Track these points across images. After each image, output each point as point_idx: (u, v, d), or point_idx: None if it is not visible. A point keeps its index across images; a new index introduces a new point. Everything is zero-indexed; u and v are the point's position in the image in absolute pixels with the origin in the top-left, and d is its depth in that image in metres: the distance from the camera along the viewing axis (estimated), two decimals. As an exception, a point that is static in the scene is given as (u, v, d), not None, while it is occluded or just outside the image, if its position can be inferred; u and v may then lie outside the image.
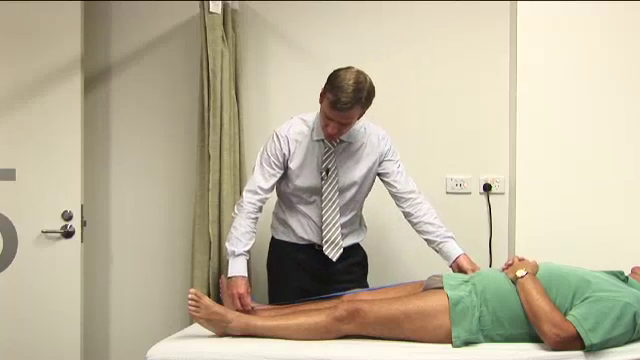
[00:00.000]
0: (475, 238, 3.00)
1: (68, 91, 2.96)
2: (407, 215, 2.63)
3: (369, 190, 2.70)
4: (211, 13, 2.88)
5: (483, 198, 3.06)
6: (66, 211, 2.96)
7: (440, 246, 2.56)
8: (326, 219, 2.58)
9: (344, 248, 2.63)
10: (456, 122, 3.06)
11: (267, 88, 3.19)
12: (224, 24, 2.96)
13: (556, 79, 2.89)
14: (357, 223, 2.74)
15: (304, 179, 2.59)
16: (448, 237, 2.56)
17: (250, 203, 2.56)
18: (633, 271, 2.36)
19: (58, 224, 2.96)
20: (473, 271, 2.45)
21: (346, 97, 2.35)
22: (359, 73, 2.40)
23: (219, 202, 2.90)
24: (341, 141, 2.58)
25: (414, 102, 3.09)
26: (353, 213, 2.67)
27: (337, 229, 2.59)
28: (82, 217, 2.98)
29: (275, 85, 3.18)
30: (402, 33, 3.09)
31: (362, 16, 3.10)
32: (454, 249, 2.55)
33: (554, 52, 2.89)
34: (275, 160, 2.58)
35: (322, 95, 2.47)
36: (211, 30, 2.87)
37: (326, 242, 2.59)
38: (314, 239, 2.63)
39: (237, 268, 2.51)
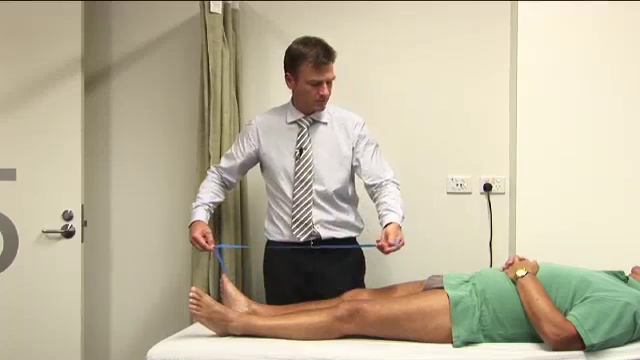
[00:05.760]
0: (475, 238, 3.00)
1: (68, 91, 2.95)
2: (374, 201, 2.57)
3: (351, 179, 2.67)
4: (211, 13, 2.88)
5: (483, 198, 3.06)
6: (66, 211, 2.96)
7: (381, 220, 2.47)
8: (297, 198, 2.58)
9: (341, 250, 2.60)
10: (456, 122, 3.06)
11: (267, 88, 3.18)
12: (224, 24, 2.96)
13: (556, 79, 2.90)
14: (352, 215, 2.69)
15: (279, 162, 2.62)
16: (389, 210, 2.45)
17: (212, 172, 2.74)
18: (633, 271, 2.37)
19: (58, 224, 2.96)
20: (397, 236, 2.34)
21: (322, 50, 2.50)
22: (305, 37, 2.56)
23: (219, 202, 2.90)
24: (314, 121, 2.61)
25: (414, 102, 3.09)
26: (338, 202, 2.63)
27: (309, 210, 2.57)
28: (82, 217, 2.98)
29: (275, 85, 3.17)
30: (402, 33, 3.09)
31: (362, 16, 3.10)
32: (387, 219, 2.42)
33: (554, 52, 2.89)
34: (241, 145, 2.69)
35: (291, 75, 2.56)
36: (211, 30, 2.87)
37: (295, 221, 2.58)
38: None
39: (195, 216, 2.64)
